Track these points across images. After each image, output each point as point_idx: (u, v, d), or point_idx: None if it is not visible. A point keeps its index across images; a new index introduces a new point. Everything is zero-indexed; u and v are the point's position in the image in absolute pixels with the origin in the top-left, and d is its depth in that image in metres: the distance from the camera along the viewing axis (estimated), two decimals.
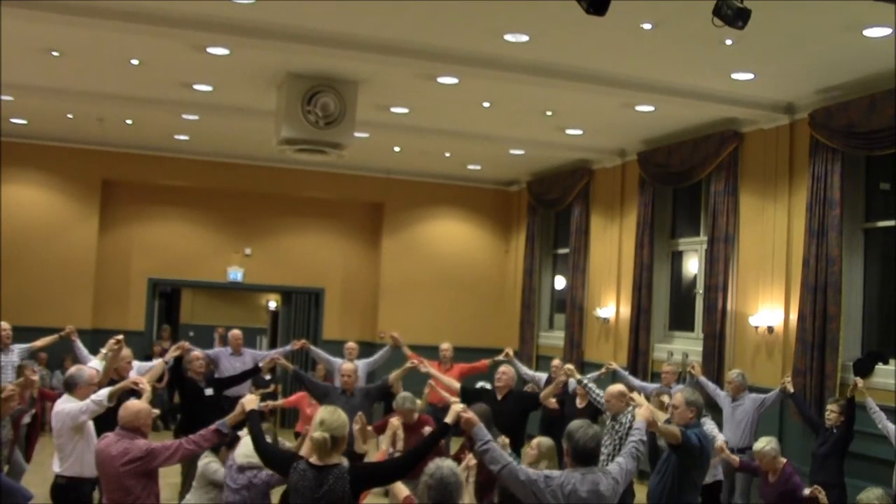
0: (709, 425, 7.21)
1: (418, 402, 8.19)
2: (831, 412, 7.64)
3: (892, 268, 8.80)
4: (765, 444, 6.88)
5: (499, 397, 8.22)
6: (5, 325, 9.08)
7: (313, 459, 4.33)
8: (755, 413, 8.48)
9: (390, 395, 9.92)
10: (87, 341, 10.89)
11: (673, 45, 7.50)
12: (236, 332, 11.18)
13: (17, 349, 9.02)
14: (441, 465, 4.20)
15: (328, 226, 15.21)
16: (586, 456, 4.38)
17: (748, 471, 7.48)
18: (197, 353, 8.78)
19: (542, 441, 6.29)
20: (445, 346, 11.40)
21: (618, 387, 7.16)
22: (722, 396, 8.79)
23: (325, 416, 4.39)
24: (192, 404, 8.33)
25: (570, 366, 8.37)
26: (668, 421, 6.10)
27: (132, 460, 4.95)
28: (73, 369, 6.36)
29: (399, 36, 7.68)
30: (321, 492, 4.21)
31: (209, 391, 8.41)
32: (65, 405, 5.96)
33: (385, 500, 8.77)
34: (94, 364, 6.95)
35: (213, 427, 5.14)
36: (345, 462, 4.35)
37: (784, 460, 6.86)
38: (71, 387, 6.05)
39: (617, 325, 12.15)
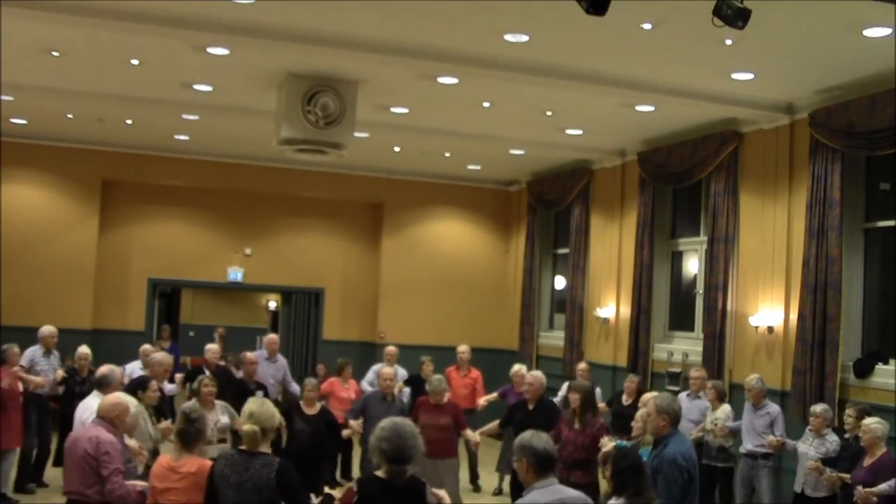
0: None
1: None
2: (849, 416, 7.24)
3: (892, 268, 8.80)
4: (875, 421, 6.68)
5: (530, 408, 7.89)
6: (53, 329, 9.58)
7: (243, 447, 4.58)
8: (768, 428, 8.15)
9: (422, 383, 10.44)
10: (88, 341, 10.94)
11: (673, 45, 7.50)
12: (273, 336, 11.31)
13: (59, 357, 9.80)
14: (394, 418, 4.41)
15: (328, 226, 15.21)
16: (547, 461, 4.23)
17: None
18: (252, 356, 9.40)
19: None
20: (463, 348, 11.45)
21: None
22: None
23: (254, 409, 4.65)
24: (238, 407, 8.30)
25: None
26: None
27: (97, 451, 5.10)
28: (105, 369, 6.87)
29: (399, 36, 7.67)
30: (248, 475, 4.42)
31: (259, 394, 8.68)
32: (94, 403, 6.11)
33: None
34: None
35: (139, 488, 5.16)
36: (276, 457, 4.56)
37: (885, 448, 6.63)
38: (103, 385, 6.47)
39: (617, 325, 12.14)
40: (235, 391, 8.71)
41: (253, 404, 4.70)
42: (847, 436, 7.26)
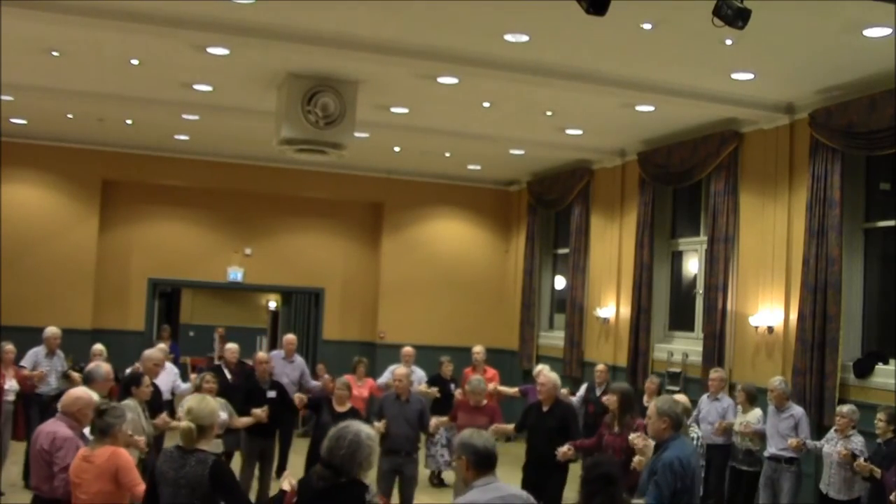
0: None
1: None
2: (879, 420, 6.99)
3: (892, 268, 8.80)
4: None
5: (544, 409, 7.69)
6: (57, 330, 9.79)
7: (181, 444, 4.53)
8: (792, 431, 8.01)
9: (443, 383, 10.63)
10: (87, 341, 10.95)
11: (673, 45, 7.50)
12: (291, 336, 11.32)
13: (62, 358, 9.88)
14: (351, 423, 4.15)
15: (328, 226, 15.21)
16: (487, 458, 4.15)
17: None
18: (263, 355, 9.36)
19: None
20: (478, 349, 11.47)
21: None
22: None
23: (192, 405, 4.58)
24: (249, 405, 8.31)
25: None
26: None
27: (51, 447, 5.10)
28: (91, 365, 7.07)
29: (399, 36, 7.67)
30: (183, 472, 4.39)
31: (272, 394, 8.68)
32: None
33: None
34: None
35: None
36: (212, 454, 4.51)
37: None
38: (89, 381, 6.54)
39: (617, 325, 12.15)
40: (247, 390, 8.70)
41: (192, 401, 4.63)
42: (879, 441, 7.06)
